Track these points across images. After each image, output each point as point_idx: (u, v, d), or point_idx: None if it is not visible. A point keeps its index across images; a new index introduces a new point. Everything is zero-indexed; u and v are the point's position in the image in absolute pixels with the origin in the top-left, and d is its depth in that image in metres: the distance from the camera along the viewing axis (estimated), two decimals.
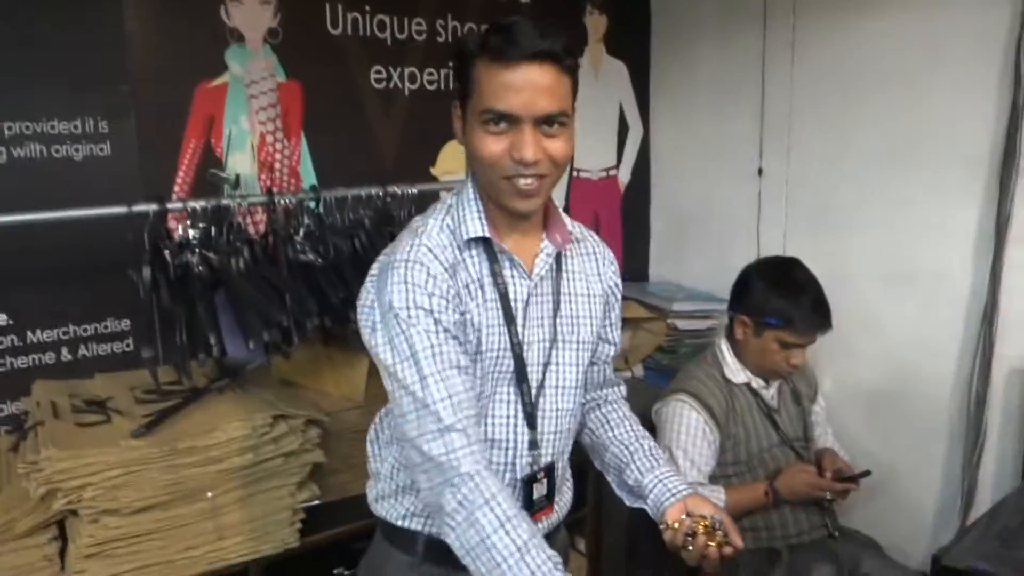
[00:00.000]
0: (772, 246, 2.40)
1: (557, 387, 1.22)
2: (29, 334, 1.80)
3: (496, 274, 1.15)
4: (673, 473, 1.28)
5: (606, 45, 2.73)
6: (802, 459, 1.89)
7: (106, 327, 1.88)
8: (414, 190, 1.95)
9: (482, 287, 1.14)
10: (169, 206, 1.63)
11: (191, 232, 1.62)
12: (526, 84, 1.04)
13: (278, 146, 2.10)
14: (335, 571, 1.69)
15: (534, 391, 1.20)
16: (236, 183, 1.92)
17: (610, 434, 1.36)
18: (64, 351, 1.84)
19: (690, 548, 1.16)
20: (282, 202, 1.77)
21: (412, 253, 1.10)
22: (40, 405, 1.63)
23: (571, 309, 1.24)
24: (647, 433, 1.37)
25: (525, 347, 1.17)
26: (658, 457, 1.31)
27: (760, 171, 2.48)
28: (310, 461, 1.63)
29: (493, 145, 1.07)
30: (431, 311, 1.07)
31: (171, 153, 1.94)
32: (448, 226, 1.14)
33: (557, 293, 1.22)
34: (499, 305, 1.15)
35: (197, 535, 1.52)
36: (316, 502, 1.65)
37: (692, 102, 2.70)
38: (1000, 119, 1.88)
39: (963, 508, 1.99)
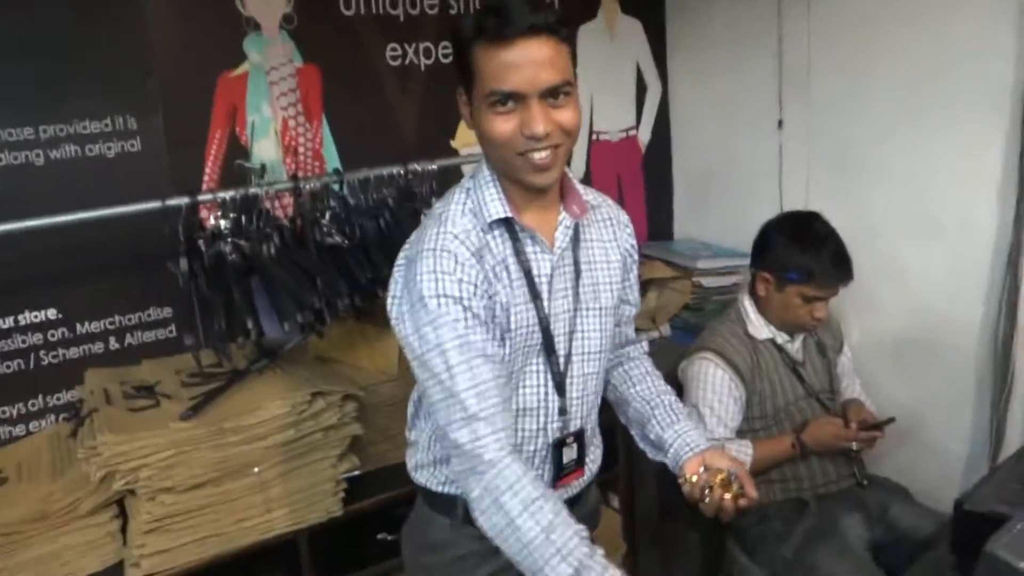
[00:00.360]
0: (795, 199, 2.40)
1: (584, 354, 1.26)
2: (78, 326, 1.90)
3: (519, 252, 1.17)
4: (692, 428, 1.33)
5: (620, 4, 2.71)
6: (828, 411, 1.92)
7: (149, 315, 1.98)
8: (434, 166, 1.99)
9: (507, 267, 1.16)
10: (200, 198, 1.70)
11: (223, 222, 1.69)
12: (526, 60, 1.05)
13: (300, 130, 2.15)
14: (379, 536, 1.77)
15: (562, 360, 1.23)
16: (262, 172, 1.98)
17: (632, 390, 1.41)
18: (112, 340, 1.94)
19: (707, 500, 1.21)
20: (307, 187, 1.82)
21: (439, 241, 1.12)
22: (93, 393, 1.73)
23: (592, 277, 1.27)
24: (669, 388, 1.41)
25: (552, 320, 1.21)
26: (678, 412, 1.35)
27: (780, 123, 2.46)
28: (349, 434, 1.70)
29: (503, 125, 1.09)
30: (460, 299, 1.09)
31: (198, 145, 2.01)
32: (470, 210, 1.17)
33: (577, 263, 1.25)
34: (525, 283, 1.18)
35: (247, 508, 1.61)
36: (357, 472, 1.73)
37: (710, 57, 2.68)
38: (1022, 61, 1.85)
39: (992, 452, 2.01)
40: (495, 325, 1.15)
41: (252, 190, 1.75)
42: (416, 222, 1.24)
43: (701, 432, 1.33)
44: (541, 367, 1.22)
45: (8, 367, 1.83)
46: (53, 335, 1.87)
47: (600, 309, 1.28)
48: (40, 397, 1.88)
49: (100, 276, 1.89)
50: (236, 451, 1.58)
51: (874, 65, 2.16)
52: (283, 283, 1.65)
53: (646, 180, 2.89)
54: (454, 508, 1.27)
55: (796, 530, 1.80)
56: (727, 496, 1.20)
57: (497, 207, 1.16)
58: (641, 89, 2.82)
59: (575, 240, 1.25)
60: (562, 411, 1.24)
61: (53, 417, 1.89)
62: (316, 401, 1.65)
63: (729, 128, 2.66)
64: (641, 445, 1.40)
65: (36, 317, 1.85)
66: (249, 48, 2.05)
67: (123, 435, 1.50)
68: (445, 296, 1.09)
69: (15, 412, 1.85)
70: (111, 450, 1.48)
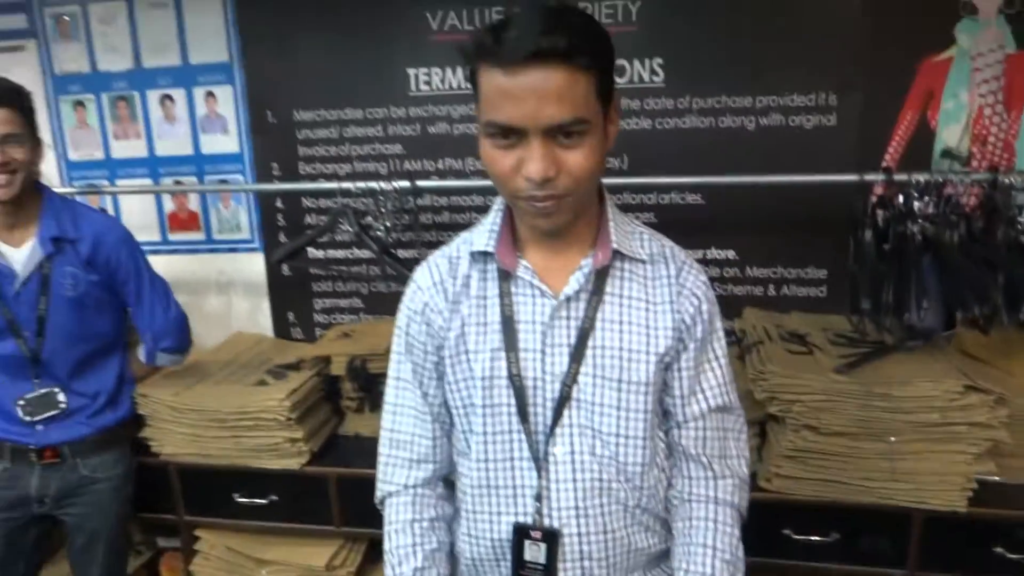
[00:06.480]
0: None
1: (582, 427, 1.04)
2: (748, 269, 2.21)
3: (505, 294, 1.04)
4: None
5: None
6: None
7: (806, 273, 2.18)
8: None
9: (485, 307, 1.05)
10: (895, 177, 1.80)
11: (915, 203, 1.76)
12: (528, 91, 0.87)
13: (995, 120, 2.07)
14: (995, 549, 1.71)
15: (540, 431, 1.05)
16: (965, 162, 1.99)
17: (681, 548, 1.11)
18: (771, 287, 2.21)
19: None
20: (1006, 180, 1.77)
21: (419, 268, 1.13)
22: (755, 328, 2.01)
23: (611, 339, 1.04)
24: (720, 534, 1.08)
25: (532, 379, 1.04)
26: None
27: None
28: (993, 437, 1.65)
29: (501, 160, 0.94)
30: (404, 331, 1.13)
31: (887, 125, 2.09)
32: (470, 236, 1.10)
33: (592, 319, 1.03)
34: (501, 328, 1.03)
35: (873, 470, 1.70)
36: (993, 478, 1.69)
37: None
38: None
39: None
40: (432, 366, 1.11)
41: (950, 176, 1.77)
42: None
43: None
44: (515, 436, 1.06)
45: None
46: (728, 272, 2.22)
47: (622, 382, 1.04)
48: None
49: (773, 231, 2.15)
50: (879, 415, 1.67)
51: None
52: (966, 273, 1.66)
53: None
54: None
55: None
56: None
57: (483, 238, 1.06)
58: None
59: (598, 292, 1.04)
60: (538, 496, 1.06)
61: None
62: (969, 394, 1.65)
63: None
64: None
65: (719, 255, 2.22)
66: (961, 32, 2.04)
67: (788, 370, 1.74)
68: (400, 328, 1.14)
69: None
70: (776, 379, 1.73)
